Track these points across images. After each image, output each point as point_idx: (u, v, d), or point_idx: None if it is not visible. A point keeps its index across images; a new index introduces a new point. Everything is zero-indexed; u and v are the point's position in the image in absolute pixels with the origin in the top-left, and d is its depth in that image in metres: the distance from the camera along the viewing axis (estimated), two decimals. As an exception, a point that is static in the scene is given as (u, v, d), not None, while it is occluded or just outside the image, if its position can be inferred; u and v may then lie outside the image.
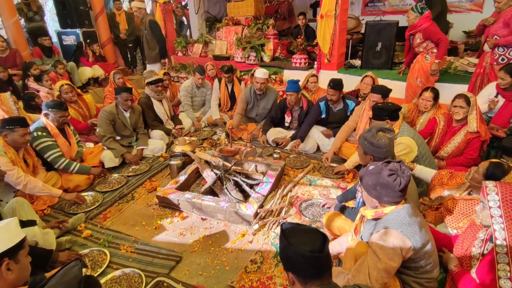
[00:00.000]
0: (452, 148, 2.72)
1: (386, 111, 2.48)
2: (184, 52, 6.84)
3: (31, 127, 2.84)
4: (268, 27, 6.17)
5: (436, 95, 3.04)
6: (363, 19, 6.11)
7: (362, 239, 1.64)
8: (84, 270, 0.95)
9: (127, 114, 3.60)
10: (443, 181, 2.25)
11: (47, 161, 2.87)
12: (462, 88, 3.94)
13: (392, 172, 1.41)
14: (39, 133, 2.81)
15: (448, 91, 3.93)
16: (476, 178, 1.90)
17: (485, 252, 1.47)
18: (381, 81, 4.02)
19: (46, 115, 2.90)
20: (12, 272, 1.25)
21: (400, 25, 4.79)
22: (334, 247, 1.89)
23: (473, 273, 1.49)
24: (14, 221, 1.34)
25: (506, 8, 3.33)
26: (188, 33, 8.91)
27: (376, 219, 1.50)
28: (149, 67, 5.66)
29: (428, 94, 3.04)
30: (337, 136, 3.35)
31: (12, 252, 1.25)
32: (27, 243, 1.37)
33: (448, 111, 2.82)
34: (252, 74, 4.74)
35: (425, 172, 2.36)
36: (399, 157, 2.33)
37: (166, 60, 6.27)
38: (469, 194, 2.05)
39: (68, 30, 6.78)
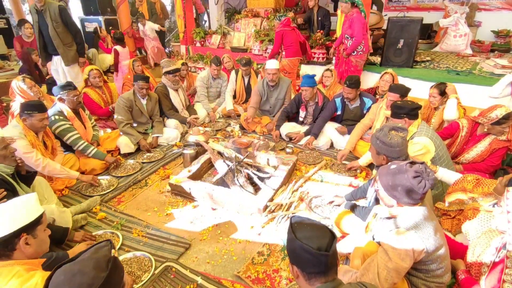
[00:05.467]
0: (474, 155, 2.63)
1: (404, 109, 2.40)
2: (202, 42, 6.87)
3: (49, 112, 2.94)
4: (287, 20, 6.08)
5: (441, 90, 2.98)
6: (385, 15, 5.93)
7: (373, 238, 1.62)
8: (113, 251, 1.02)
9: (144, 101, 3.67)
10: (466, 187, 2.13)
11: (65, 143, 2.97)
12: (487, 90, 3.79)
13: (417, 174, 1.37)
14: (57, 117, 2.91)
15: (472, 93, 3.79)
16: (498, 188, 1.84)
17: (497, 260, 1.44)
18: (400, 80, 3.93)
19: (60, 99, 3.00)
20: (30, 246, 1.30)
21: (424, 22, 4.62)
22: (343, 247, 1.88)
23: (483, 283, 1.46)
24: (33, 197, 1.36)
25: (347, 11, 4.04)
26: (206, 24, 8.92)
27: (389, 218, 1.48)
28: (66, 70, 4.20)
29: (431, 91, 3.03)
30: (352, 134, 3.30)
31: (31, 228, 1.30)
32: (46, 218, 1.41)
33: (475, 120, 2.62)
34: (263, 68, 4.74)
35: (449, 176, 2.24)
36: (416, 157, 2.26)
37: (86, 59, 4.44)
38: (493, 206, 1.96)
39: (91, 17, 6.93)
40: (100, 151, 3.09)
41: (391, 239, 1.38)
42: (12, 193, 1.93)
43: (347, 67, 4.40)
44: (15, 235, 1.26)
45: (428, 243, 1.35)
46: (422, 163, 1.44)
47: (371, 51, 4.57)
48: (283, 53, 4.78)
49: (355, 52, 4.20)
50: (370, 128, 3.28)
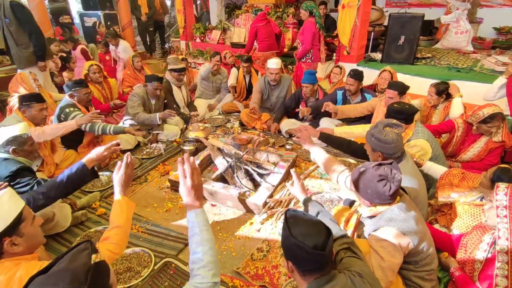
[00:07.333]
0: (471, 156, 2.64)
1: (403, 115, 2.28)
2: (202, 38, 6.83)
3: (59, 106, 2.94)
4: (288, 16, 6.06)
5: (438, 90, 2.97)
6: (387, 11, 5.89)
7: (359, 237, 1.65)
8: (93, 256, 0.89)
9: (153, 101, 3.69)
10: (453, 181, 2.14)
11: (66, 140, 2.96)
12: (488, 88, 3.77)
13: (381, 178, 1.39)
14: (71, 108, 2.90)
15: (473, 90, 3.77)
16: (484, 182, 1.86)
17: (489, 255, 1.46)
18: (401, 77, 3.91)
19: (71, 96, 2.99)
20: (18, 245, 1.22)
21: (425, 18, 4.60)
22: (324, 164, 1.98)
23: (476, 279, 1.47)
24: (5, 196, 1.23)
25: (305, 19, 4.33)
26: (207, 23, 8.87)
27: (372, 216, 1.51)
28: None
29: (429, 89, 3.04)
30: (346, 107, 3.33)
31: (11, 230, 1.20)
32: (29, 212, 1.30)
33: (466, 119, 2.64)
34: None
35: (435, 169, 2.24)
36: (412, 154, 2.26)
37: (46, 63, 3.86)
38: (481, 200, 1.97)
39: (90, 12, 6.88)
40: (117, 125, 3.06)
41: (377, 239, 1.41)
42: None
43: (299, 72, 4.60)
44: None
45: (411, 236, 1.38)
46: (391, 163, 1.46)
47: (323, 63, 4.82)
48: (257, 46, 4.91)
49: (304, 59, 4.47)
50: (362, 119, 3.30)
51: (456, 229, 1.88)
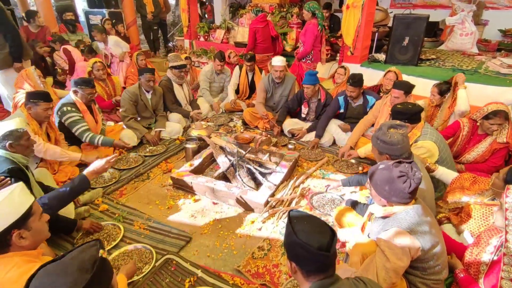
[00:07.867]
0: (475, 156, 2.63)
1: (406, 115, 2.26)
2: (206, 37, 6.84)
3: (60, 102, 2.96)
4: (292, 16, 6.06)
5: (441, 90, 3.02)
6: (391, 12, 5.87)
7: (369, 237, 1.63)
8: (101, 251, 0.97)
9: (148, 96, 3.68)
10: (464, 185, 2.14)
11: (70, 136, 2.99)
12: (493, 90, 3.76)
13: (402, 174, 1.38)
14: (68, 108, 2.92)
15: (478, 93, 3.76)
16: (497, 183, 1.84)
17: (495, 258, 1.44)
18: (405, 78, 3.89)
19: (75, 92, 3.01)
20: (26, 239, 1.24)
21: (430, 19, 4.57)
22: (344, 235, 1.90)
23: (481, 282, 1.46)
24: (17, 189, 1.26)
25: (307, 19, 4.28)
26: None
27: (384, 217, 1.49)
28: None
29: (432, 89, 3.09)
30: (354, 130, 3.29)
31: (20, 222, 1.23)
32: (37, 207, 1.34)
33: (472, 119, 2.63)
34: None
35: (447, 174, 2.25)
36: (424, 158, 2.25)
37: (23, 64, 3.70)
38: (493, 200, 1.96)
39: (95, 10, 6.93)
40: (107, 137, 3.10)
41: (387, 239, 1.39)
42: (26, 183, 1.94)
43: (300, 71, 4.60)
44: (5, 233, 1.20)
45: (423, 241, 1.35)
46: (410, 162, 1.44)
47: (323, 64, 4.87)
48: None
49: (304, 59, 4.49)
50: (372, 125, 3.26)
51: (466, 229, 1.88)
